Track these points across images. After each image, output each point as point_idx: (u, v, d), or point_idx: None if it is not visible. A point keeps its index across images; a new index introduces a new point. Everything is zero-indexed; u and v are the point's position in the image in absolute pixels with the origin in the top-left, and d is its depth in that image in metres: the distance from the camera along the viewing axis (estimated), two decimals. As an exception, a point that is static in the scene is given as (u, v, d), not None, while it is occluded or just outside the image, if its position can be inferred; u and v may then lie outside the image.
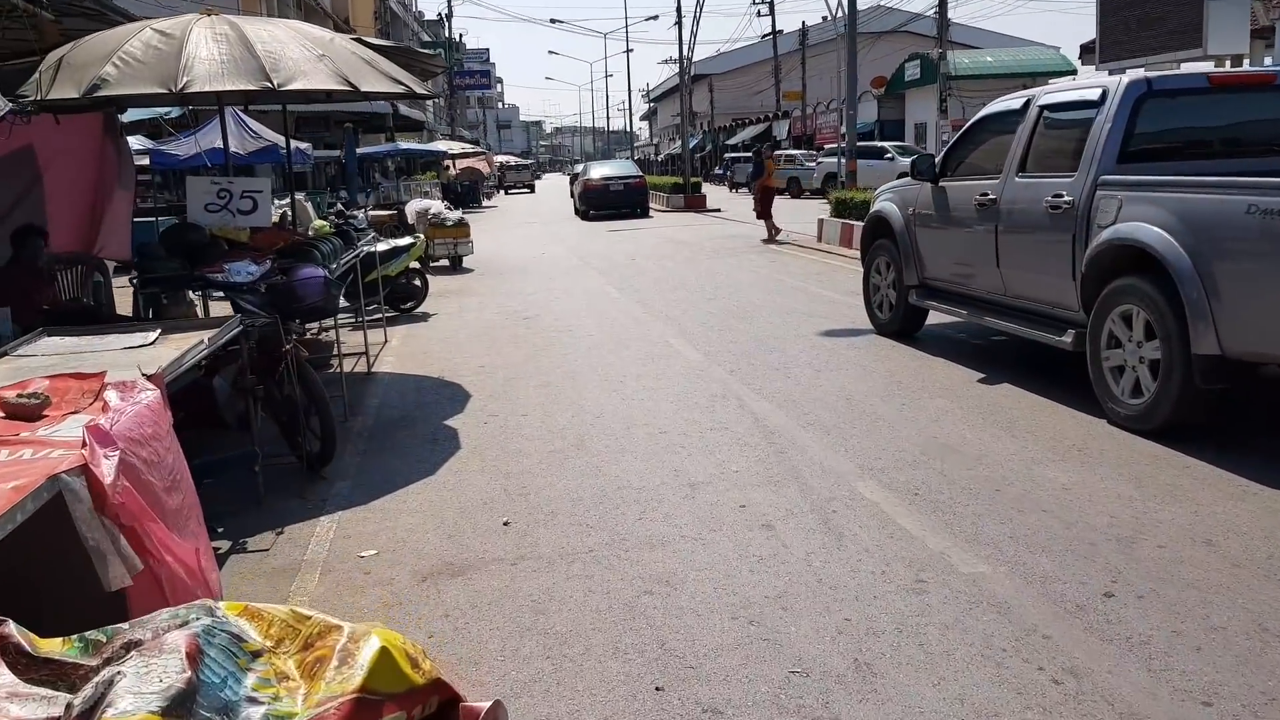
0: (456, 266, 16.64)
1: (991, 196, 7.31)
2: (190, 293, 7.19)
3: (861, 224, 15.82)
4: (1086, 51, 34.23)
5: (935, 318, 8.90)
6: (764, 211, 19.49)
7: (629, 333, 9.79)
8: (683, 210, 30.68)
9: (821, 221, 17.67)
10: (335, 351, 8.92)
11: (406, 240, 11.81)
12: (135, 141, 18.32)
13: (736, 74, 72.17)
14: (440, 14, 53.43)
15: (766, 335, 9.27)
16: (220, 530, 4.67)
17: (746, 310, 10.77)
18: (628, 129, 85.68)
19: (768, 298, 11.63)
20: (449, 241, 16.41)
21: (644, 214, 28.84)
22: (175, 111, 11.88)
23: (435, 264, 16.64)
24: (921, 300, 8.50)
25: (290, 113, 31.76)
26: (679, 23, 33.17)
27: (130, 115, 10.03)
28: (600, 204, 28.28)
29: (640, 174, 29.75)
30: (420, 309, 11.98)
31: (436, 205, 16.96)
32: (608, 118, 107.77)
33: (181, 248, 6.52)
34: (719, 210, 30.14)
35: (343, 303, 10.59)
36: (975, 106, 38.27)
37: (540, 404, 7.06)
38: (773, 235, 19.05)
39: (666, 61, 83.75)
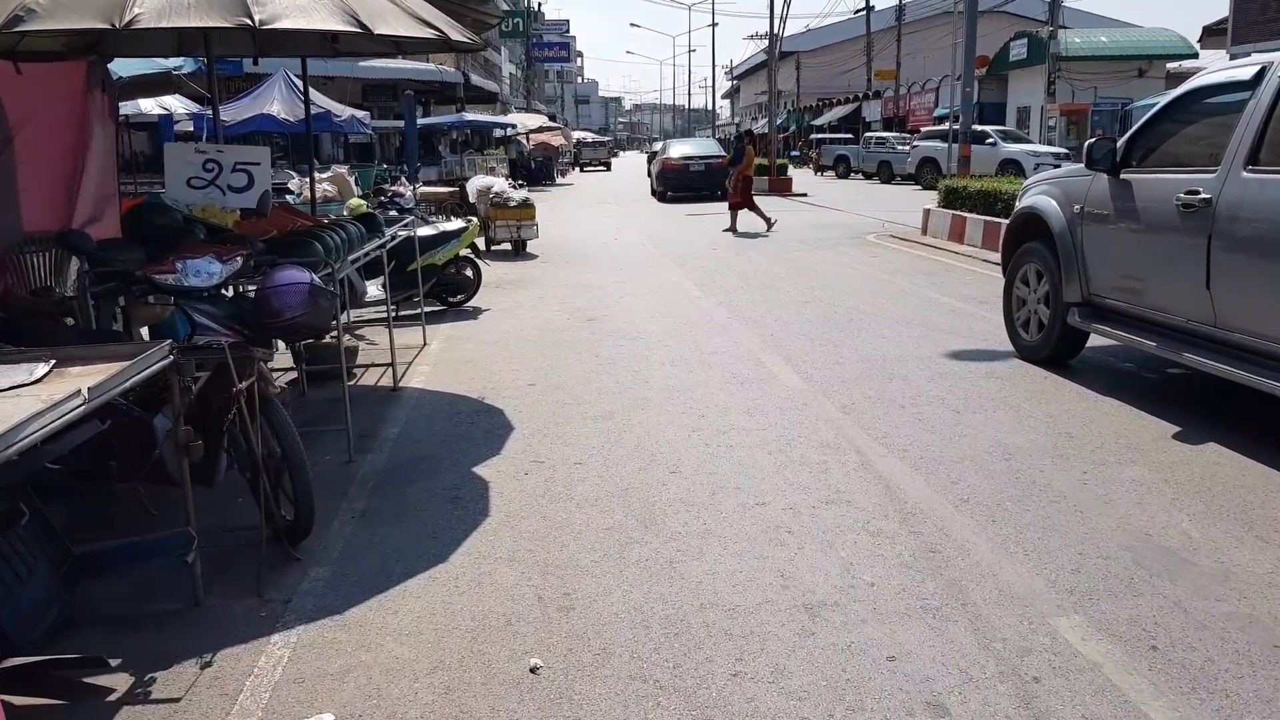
0: (519, 251, 15.16)
1: (1204, 196, 5.47)
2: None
3: (975, 216, 14.00)
4: (1211, 34, 31.38)
5: (1094, 340, 7.10)
6: (742, 203, 18.02)
7: (712, 344, 8.14)
8: (766, 194, 28.73)
9: (927, 212, 15.74)
10: (355, 361, 7.46)
11: (456, 224, 10.32)
12: (178, 104, 17.27)
13: (824, 52, 69.45)
14: (520, -17, 51.95)
15: (881, 355, 7.53)
16: (115, 662, 3.18)
17: (852, 319, 9.03)
18: (710, 107, 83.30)
19: (875, 303, 9.86)
20: (511, 224, 14.92)
21: (725, 197, 26.95)
22: (187, 65, 10.45)
23: (496, 247, 15.21)
24: (1085, 322, 6.69)
25: (356, 79, 30.66)
26: (770, -8, 31.08)
27: (128, 67, 8.70)
28: (679, 185, 26.56)
29: (723, 154, 27.86)
30: (471, 303, 10.49)
31: (499, 183, 15.47)
32: (689, 95, 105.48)
33: (147, 234, 5.08)
34: (805, 195, 28.20)
35: (373, 294, 9.20)
36: (1086, 90, 35.49)
37: (599, 446, 5.48)
38: (768, 223, 17.66)
39: (753, 37, 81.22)
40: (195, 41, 7.07)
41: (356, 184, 11.86)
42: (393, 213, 11.32)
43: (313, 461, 5.19)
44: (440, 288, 10.24)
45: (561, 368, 7.44)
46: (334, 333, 7.32)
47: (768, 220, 17.61)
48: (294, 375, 6.91)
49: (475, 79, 38.24)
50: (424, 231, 10.00)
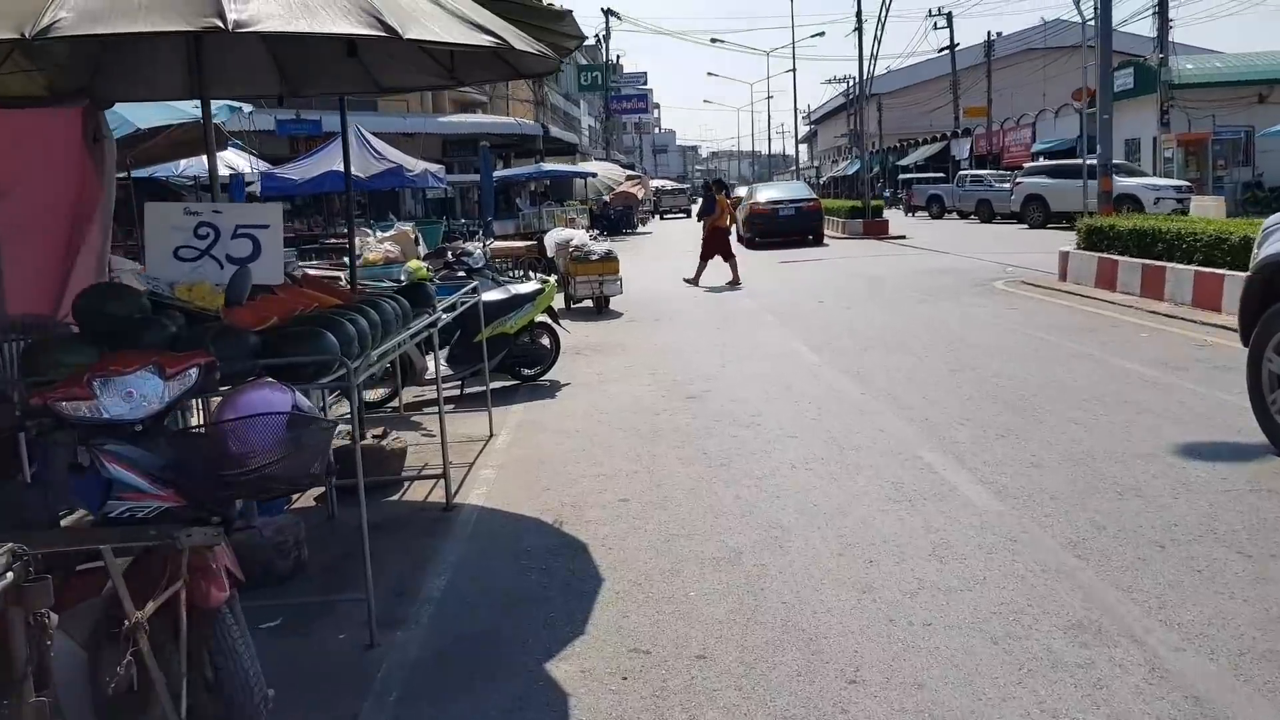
0: (602, 309, 13.63)
1: None
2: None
3: (1130, 260, 11.75)
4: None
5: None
6: (711, 253, 16.44)
7: (851, 434, 6.39)
8: (862, 237, 26.92)
9: (1066, 255, 13.72)
10: (401, 467, 5.90)
11: (529, 286, 8.81)
12: (240, 160, 16.33)
13: (906, 92, 67.57)
14: (597, 35, 51.44)
15: (1088, 453, 5.68)
16: None
17: (1024, 396, 7.17)
18: (785, 151, 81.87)
19: (1044, 372, 7.97)
20: (593, 279, 13.42)
21: (818, 241, 25.24)
22: (223, 114, 9.19)
23: (577, 304, 13.72)
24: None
25: (435, 135, 29.93)
26: (859, 29, 29.53)
27: (145, 115, 7.37)
28: (768, 230, 24.89)
29: (814, 196, 26.22)
30: (548, 375, 8.94)
31: (579, 235, 14.03)
32: (769, 140, 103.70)
33: (97, 327, 3.61)
34: (904, 237, 26.25)
35: (434, 371, 7.76)
36: (1203, 119, 32.91)
37: (728, 622, 3.76)
38: (735, 281, 15.94)
39: (831, 81, 79.74)
40: (212, 72, 5.71)
41: (419, 243, 10.52)
42: (460, 274, 9.93)
43: (320, 645, 3.62)
44: (512, 360, 8.71)
45: (661, 473, 5.76)
46: (369, 436, 5.81)
47: (736, 278, 15.99)
48: (319, 492, 5.39)
49: (554, 131, 37.44)
50: (492, 296, 8.52)
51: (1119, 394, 7.06)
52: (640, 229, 40.29)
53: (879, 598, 3.89)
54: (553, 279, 9.01)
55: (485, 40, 3.80)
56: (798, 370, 8.67)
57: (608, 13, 47.39)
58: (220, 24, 3.06)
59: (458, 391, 8.52)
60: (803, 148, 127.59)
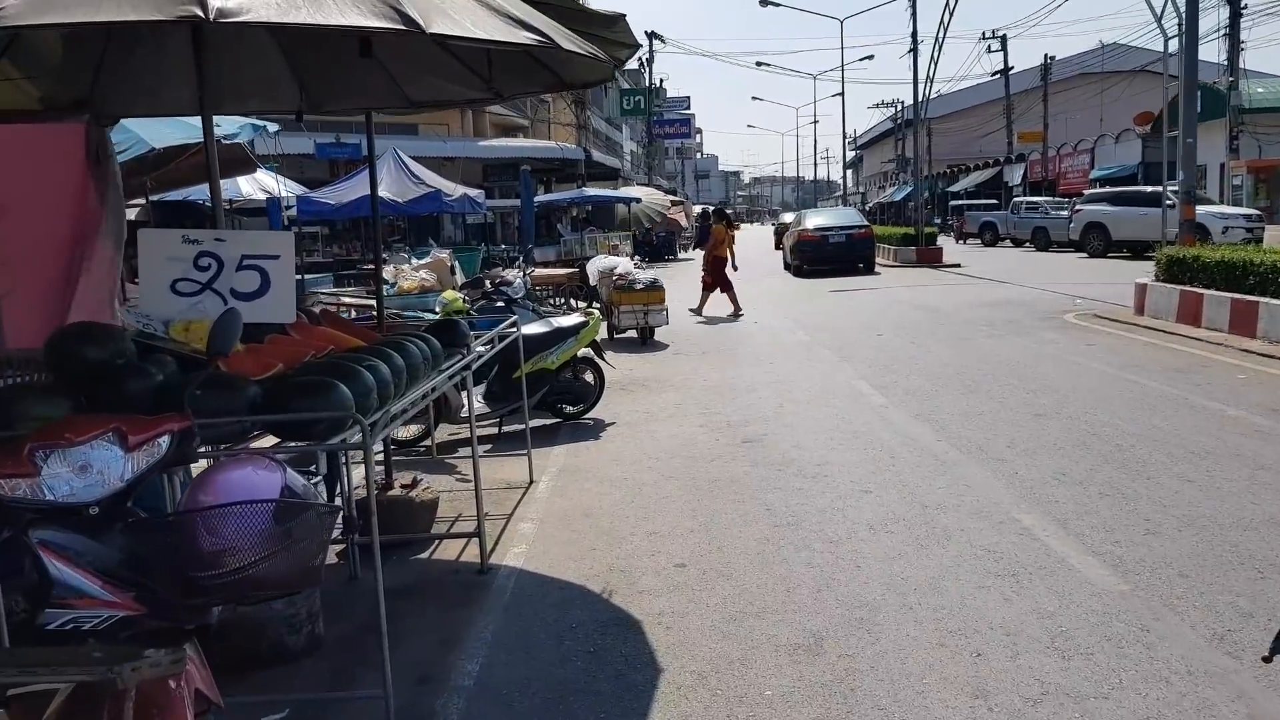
0: (647, 340, 13.05)
1: None
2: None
3: (1216, 293, 10.74)
4: None
5: None
6: (713, 283, 16.28)
7: (932, 488, 5.71)
8: (915, 265, 26.13)
9: (1144, 288, 12.89)
10: (432, 521, 5.33)
11: (573, 319, 8.25)
12: (274, 183, 16.05)
13: (956, 117, 66.65)
14: (640, 59, 51.29)
15: (1211, 518, 4.95)
16: None
17: (1123, 447, 6.43)
18: (829, 177, 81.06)
19: (1134, 417, 7.23)
20: (638, 309, 12.85)
21: (870, 270, 24.49)
22: (244, 132, 8.75)
23: (620, 335, 13.17)
24: None
25: (475, 159, 29.69)
26: (914, 49, 28.87)
27: (159, 133, 6.88)
28: (817, 258, 24.18)
29: (865, 223, 25.50)
30: (592, 413, 8.35)
31: (623, 263, 13.49)
32: (814, 165, 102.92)
33: (75, 374, 3.08)
34: (959, 265, 25.42)
35: (476, 408, 7.24)
36: (1274, 146, 31.80)
37: (815, 730, 3.13)
38: (736, 312, 15.72)
39: (878, 105, 78.96)
40: (222, 84, 5.23)
41: (454, 271, 10.00)
42: (499, 304, 9.42)
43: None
44: (554, 397, 8.15)
45: (721, 532, 5.13)
46: (401, 488, 5.25)
47: (737, 309, 15.78)
48: (340, 547, 4.83)
49: (597, 155, 37.16)
50: (532, 329, 7.98)
51: (1229, 446, 6.31)
52: (683, 255, 39.78)
53: (996, 704, 3.23)
54: (596, 311, 8.44)
55: (527, 38, 3.25)
56: (863, 413, 7.99)
57: (651, 35, 47.18)
58: (200, 12, 2.53)
59: (495, 430, 7.97)
60: (848, 173, 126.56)
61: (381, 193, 15.58)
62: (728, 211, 20.29)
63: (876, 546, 4.77)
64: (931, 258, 26.32)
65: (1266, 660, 3.44)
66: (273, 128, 8.75)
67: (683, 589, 4.36)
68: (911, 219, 49.89)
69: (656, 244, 36.89)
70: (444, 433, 7.99)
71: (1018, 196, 41.61)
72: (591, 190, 22.74)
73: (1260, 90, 32.01)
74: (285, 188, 16.47)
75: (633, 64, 65.83)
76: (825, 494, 5.72)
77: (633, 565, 4.69)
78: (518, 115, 37.59)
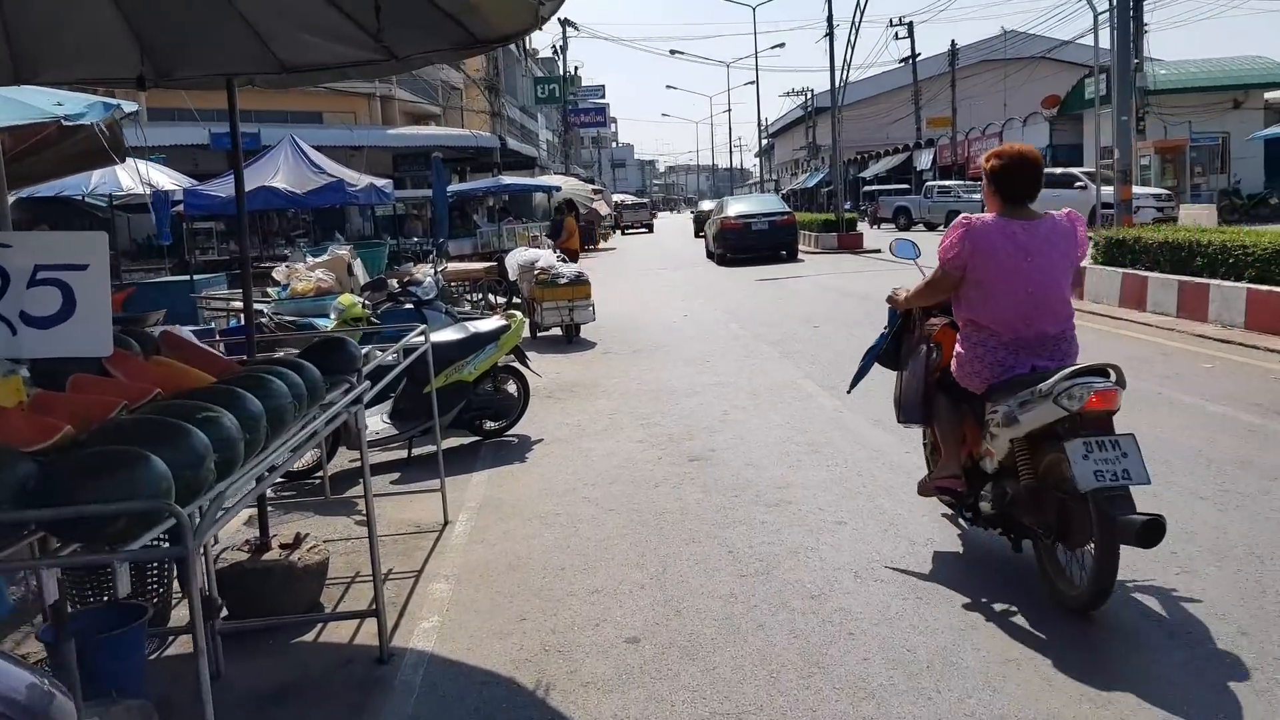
0: (573, 338, 12.12)
1: None
2: None
3: (1162, 276, 10.18)
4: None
5: None
6: None
7: (915, 515, 4.94)
8: (836, 251, 25.69)
9: (1083, 271, 12.45)
10: (318, 590, 4.31)
11: (492, 323, 7.26)
12: (161, 175, 14.66)
13: (864, 104, 66.94)
14: (554, 46, 50.01)
15: (1243, 546, 4.27)
16: None
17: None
18: (754, 163, 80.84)
19: (1121, 421, 6.60)
20: (563, 305, 11.91)
21: (793, 257, 23.93)
22: (93, 112, 7.48)
23: (544, 333, 12.23)
24: None
25: (385, 149, 28.21)
26: (829, 34, 28.39)
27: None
28: (740, 246, 23.52)
29: (787, 210, 24.91)
30: (517, 428, 7.41)
31: (545, 256, 12.52)
32: (730, 152, 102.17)
33: None
34: (879, 251, 25.05)
35: (376, 429, 6.31)
36: (1178, 126, 32.25)
37: None
38: None
39: (789, 94, 79.10)
40: (38, 44, 4.12)
41: (354, 272, 8.82)
42: (408, 306, 8.38)
43: None
44: (473, 413, 7.17)
45: (677, 587, 4.24)
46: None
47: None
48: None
49: (512, 143, 35.86)
50: (446, 336, 7.00)
51: (1229, 451, 5.70)
52: (603, 245, 38.86)
53: None
54: (518, 313, 7.46)
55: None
56: (817, 420, 7.21)
57: (565, 23, 46.07)
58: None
59: (404, 454, 6.97)
60: (759, 161, 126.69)
61: (277, 183, 14.31)
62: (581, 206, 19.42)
63: (868, 603, 3.95)
64: (852, 244, 25.93)
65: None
66: (130, 107, 7.51)
67: (637, 677, 3.46)
68: (827, 205, 49.94)
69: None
70: (344, 458, 6.96)
71: (929, 181, 41.77)
72: (508, 179, 21.57)
73: (1163, 72, 32.46)
74: (170, 180, 15.03)
75: (546, 52, 64.47)
76: (793, 528, 4.89)
77: (573, 642, 3.77)
78: (429, 103, 36.10)
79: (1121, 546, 3.49)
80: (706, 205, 48.52)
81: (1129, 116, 13.23)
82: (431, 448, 6.85)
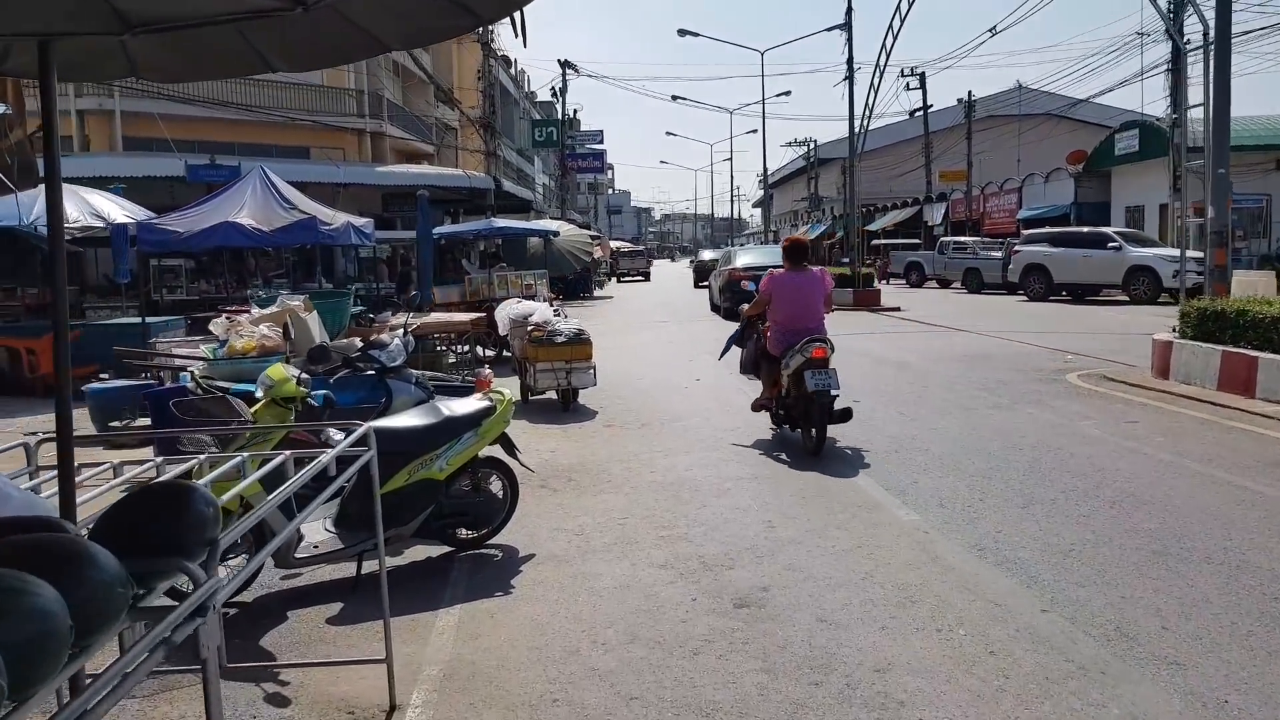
0: (569, 405, 10.44)
1: None
2: None
3: (1274, 357, 8.57)
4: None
5: None
6: None
7: (1102, 743, 3.23)
8: (853, 308, 24.12)
9: (1168, 346, 10.78)
10: None
11: (472, 405, 5.54)
12: (113, 208, 13.08)
13: (870, 156, 66.09)
14: (553, 88, 48.92)
15: None
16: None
17: (1338, 625, 4.09)
18: (751, 213, 79.82)
19: (1310, 559, 4.92)
20: (559, 367, 10.24)
21: (806, 314, 22.36)
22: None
23: (537, 396, 10.57)
24: None
25: (375, 187, 26.65)
26: (849, 77, 27.15)
27: None
28: (749, 299, 21.89)
29: (803, 263, 23.39)
30: (499, 536, 5.70)
31: (540, 310, 10.86)
32: (732, 200, 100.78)
33: None
34: (899, 309, 23.54)
35: (314, 543, 4.65)
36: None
37: None
38: None
39: (791, 144, 78.29)
40: None
41: (304, 329, 7.07)
42: (370, 372, 6.69)
43: None
44: (445, 520, 5.46)
45: None
46: None
47: None
48: None
49: (508, 185, 34.51)
50: (412, 421, 5.32)
51: None
52: (599, 293, 37.36)
53: None
54: (507, 393, 5.75)
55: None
56: (895, 543, 5.51)
57: (564, 64, 44.98)
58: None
59: (354, 573, 5.23)
60: (757, 212, 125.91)
61: (243, 219, 12.68)
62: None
63: None
64: (869, 300, 24.40)
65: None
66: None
67: None
68: (828, 258, 48.58)
69: (572, 280, 34.39)
70: (274, 574, 5.23)
71: (942, 236, 40.50)
72: (501, 222, 19.99)
73: (1202, 129, 31.21)
74: (123, 213, 13.41)
75: (545, 95, 63.55)
76: (920, 757, 3.17)
77: None
78: (422, 140, 34.74)
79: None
80: (708, 254, 47.16)
81: (1226, 169, 11.68)
82: (400, 561, 5.21)
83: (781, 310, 8.07)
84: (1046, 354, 13.74)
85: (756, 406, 8.57)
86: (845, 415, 7.71)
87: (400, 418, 5.37)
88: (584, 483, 7.19)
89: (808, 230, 70.78)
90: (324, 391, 6.14)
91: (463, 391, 7.64)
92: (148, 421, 7.67)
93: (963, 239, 36.15)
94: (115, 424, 8.70)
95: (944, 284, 35.27)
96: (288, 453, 3.10)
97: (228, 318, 7.25)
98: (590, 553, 5.54)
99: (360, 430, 3.65)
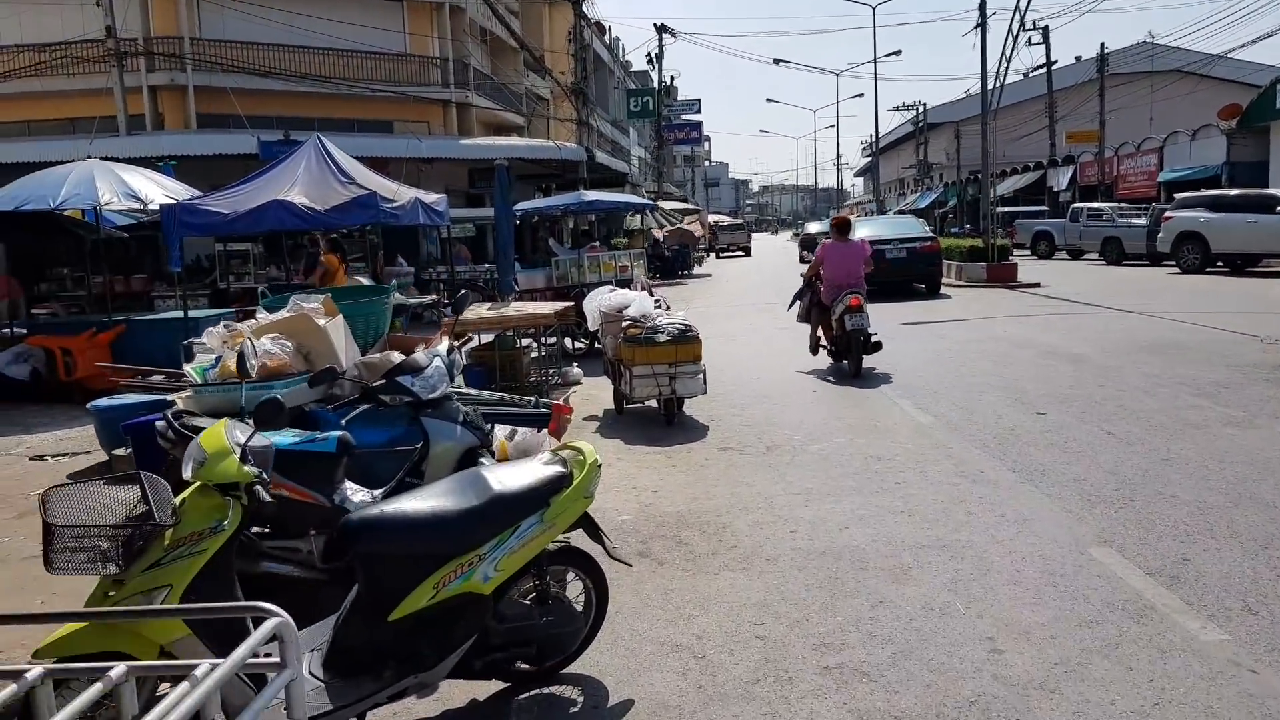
0: (673, 418, 8.48)
1: None
2: None
3: None
4: None
5: None
6: None
7: None
8: (985, 284, 21.49)
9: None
10: None
11: (534, 472, 3.56)
12: (150, 185, 11.63)
13: (980, 119, 61.85)
14: (649, 55, 46.62)
15: None
16: None
17: None
18: (852, 183, 76.13)
19: None
20: (661, 372, 8.27)
21: (934, 292, 19.89)
22: None
23: (633, 404, 8.69)
24: None
25: (460, 160, 25.00)
26: (981, 24, 24.27)
27: None
28: (869, 277, 19.57)
29: (930, 235, 20.76)
30: (579, 660, 3.76)
31: (638, 300, 8.90)
32: (838, 168, 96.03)
33: None
34: (1039, 285, 20.82)
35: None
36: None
37: None
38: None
39: (898, 108, 74.30)
40: None
41: (331, 337, 5.14)
42: (402, 404, 4.82)
43: None
44: (492, 653, 3.54)
45: None
46: None
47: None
48: None
49: (601, 157, 32.58)
50: (433, 504, 3.40)
51: None
52: (697, 270, 35.25)
53: None
54: (589, 450, 3.77)
55: None
56: (1211, 686, 3.38)
57: (660, 29, 42.65)
58: None
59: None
60: (859, 181, 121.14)
61: (294, 197, 10.99)
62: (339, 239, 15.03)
63: None
64: (1005, 276, 21.69)
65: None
66: None
67: None
68: (940, 228, 45.17)
69: (670, 258, 32.39)
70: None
71: (1073, 203, 36.98)
72: (592, 195, 18.05)
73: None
74: (164, 193, 11.91)
75: (641, 63, 61.29)
76: None
77: None
78: (509, 110, 33.03)
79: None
80: (815, 227, 44.54)
81: None
82: (422, 702, 3.38)
83: (830, 270, 10.73)
84: (1236, 339, 11.19)
85: (814, 348, 11.12)
86: (877, 346, 10.45)
87: (423, 496, 3.46)
88: (699, 547, 5.21)
89: (916, 199, 67.10)
90: (339, 433, 4.31)
91: (534, 420, 5.75)
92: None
93: (1098, 205, 32.72)
94: (120, 451, 7.07)
95: (1075, 254, 32.05)
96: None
97: (227, 325, 5.50)
98: (716, 700, 3.57)
99: (268, 626, 1.73)
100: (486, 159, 26.14)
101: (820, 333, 10.93)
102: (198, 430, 4.35)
